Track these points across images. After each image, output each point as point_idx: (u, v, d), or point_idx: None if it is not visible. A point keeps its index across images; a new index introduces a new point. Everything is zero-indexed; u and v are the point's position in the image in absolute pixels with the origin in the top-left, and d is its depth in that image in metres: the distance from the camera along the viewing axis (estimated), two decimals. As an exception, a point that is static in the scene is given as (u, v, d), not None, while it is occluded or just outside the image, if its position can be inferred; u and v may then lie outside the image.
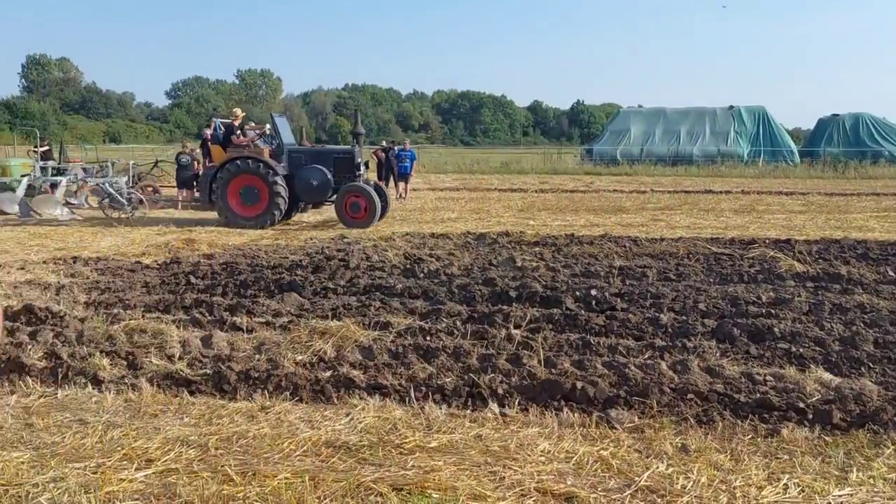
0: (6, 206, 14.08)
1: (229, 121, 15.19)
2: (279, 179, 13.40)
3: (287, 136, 14.64)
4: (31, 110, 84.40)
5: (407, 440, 3.94)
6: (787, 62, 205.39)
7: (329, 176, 13.70)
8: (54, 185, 14.87)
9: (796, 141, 41.79)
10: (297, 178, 13.80)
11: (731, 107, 38.95)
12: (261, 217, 13.46)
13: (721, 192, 21.79)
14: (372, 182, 14.37)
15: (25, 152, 20.35)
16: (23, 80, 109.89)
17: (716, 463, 3.67)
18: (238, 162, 13.57)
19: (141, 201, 14.57)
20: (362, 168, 14.15)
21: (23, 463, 3.64)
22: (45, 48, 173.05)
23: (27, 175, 14.75)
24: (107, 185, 14.38)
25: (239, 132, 14.83)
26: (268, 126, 14.85)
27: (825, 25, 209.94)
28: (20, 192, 14.02)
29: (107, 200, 14.34)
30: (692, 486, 3.42)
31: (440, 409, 4.46)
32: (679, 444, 3.88)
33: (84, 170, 20.09)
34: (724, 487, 3.44)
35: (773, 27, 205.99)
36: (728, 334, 5.81)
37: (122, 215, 14.19)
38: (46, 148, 19.39)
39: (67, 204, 14.46)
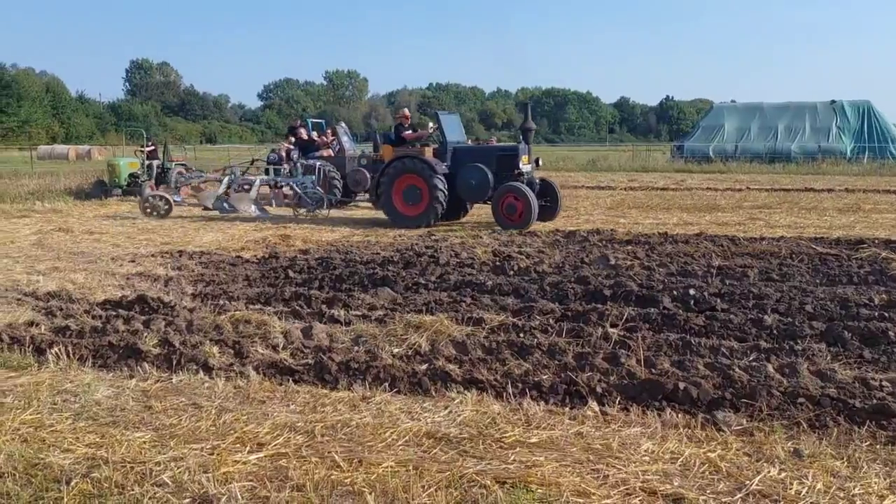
0: (208, 201, 15.35)
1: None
2: (438, 179, 13.12)
3: (454, 134, 14.27)
4: (134, 112, 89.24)
5: (507, 435, 3.95)
6: (894, 54, 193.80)
7: (489, 175, 13.15)
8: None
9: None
10: (458, 177, 13.42)
11: (833, 101, 37.09)
12: (421, 216, 13.27)
13: (823, 191, 20.76)
14: (537, 181, 13.63)
15: (133, 152, 21.50)
16: (127, 83, 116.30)
17: (832, 469, 3.51)
18: (400, 161, 13.46)
19: (322, 201, 14.97)
20: (523, 166, 13.43)
21: (145, 443, 3.86)
22: (148, 53, 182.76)
23: (229, 174, 16.02)
24: (295, 184, 15.04)
25: (410, 131, 14.82)
26: (431, 124, 14.71)
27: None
28: (222, 189, 15.19)
29: (295, 199, 15.08)
30: (807, 492, 3.29)
31: (538, 405, 4.45)
32: (791, 449, 3.73)
33: (186, 167, 21.14)
34: (842, 495, 3.28)
35: (879, 16, 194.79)
36: (839, 337, 5.54)
37: (308, 213, 14.79)
38: (152, 148, 20.45)
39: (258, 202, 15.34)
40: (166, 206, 14.99)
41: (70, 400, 4.53)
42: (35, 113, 75.92)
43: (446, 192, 13.21)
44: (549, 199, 13.67)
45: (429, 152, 13.71)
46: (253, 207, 14.87)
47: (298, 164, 16.18)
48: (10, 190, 19.11)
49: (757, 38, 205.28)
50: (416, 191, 13.33)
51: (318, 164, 16.40)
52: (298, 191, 14.96)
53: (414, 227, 13.09)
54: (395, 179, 13.42)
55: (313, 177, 15.51)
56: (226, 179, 15.55)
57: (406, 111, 15.62)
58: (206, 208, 15.57)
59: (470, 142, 18.25)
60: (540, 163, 14.85)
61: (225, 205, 14.99)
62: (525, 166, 13.47)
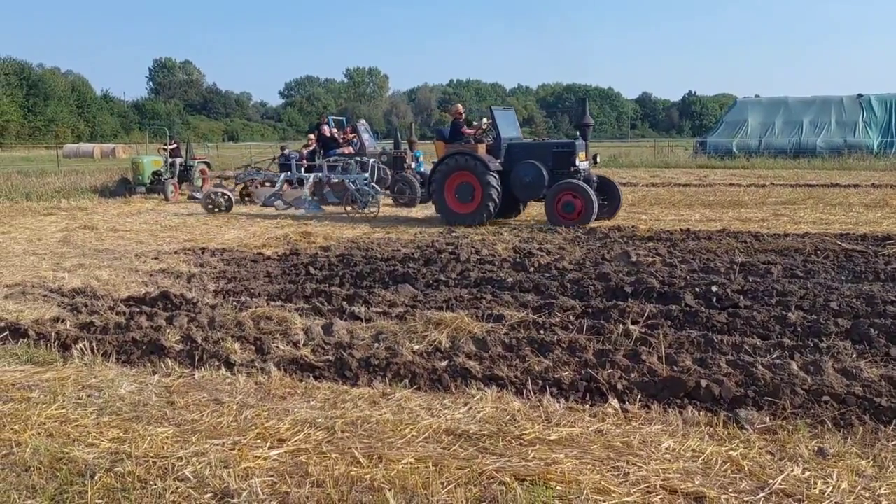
0: (261, 198, 15.78)
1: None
2: (491, 176, 12.78)
3: (508, 130, 13.87)
4: (157, 111, 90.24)
5: (526, 432, 3.94)
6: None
7: (544, 171, 12.77)
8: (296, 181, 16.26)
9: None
10: (513, 174, 13.06)
11: (860, 95, 36.49)
12: (473, 214, 12.93)
13: (849, 186, 20.42)
14: (595, 178, 13.20)
15: (156, 150, 21.73)
16: (150, 82, 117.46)
17: (857, 469, 3.46)
18: (453, 158, 13.16)
19: (376, 200, 14.63)
20: (580, 163, 12.98)
21: (167, 438, 3.90)
22: (171, 52, 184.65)
23: (285, 172, 16.27)
24: (348, 182, 14.94)
25: (465, 126, 14.33)
26: (485, 119, 14.17)
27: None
28: (278, 187, 15.50)
29: (348, 196, 14.96)
30: (832, 492, 3.24)
31: (558, 402, 4.43)
32: (815, 448, 3.68)
33: (207, 164, 21.36)
34: (867, 495, 3.24)
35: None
36: (864, 335, 5.45)
37: (358, 212, 14.61)
38: (174, 146, 20.65)
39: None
40: (227, 204, 15.38)
41: (94, 395, 4.59)
42: (61, 112, 77.12)
43: (500, 190, 12.86)
44: (606, 196, 13.20)
45: (482, 149, 13.32)
46: (305, 204, 14.99)
47: (354, 161, 16.12)
48: (36, 188, 19.43)
49: (781, 32, 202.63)
50: (468, 188, 13.01)
51: (371, 161, 16.25)
52: (352, 188, 14.78)
53: (466, 224, 12.76)
54: (447, 176, 13.14)
55: (367, 175, 15.33)
56: (282, 176, 15.75)
57: (460, 106, 15.15)
58: (264, 205, 15.78)
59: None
60: (598, 159, 14.28)
61: (280, 202, 15.24)
62: (582, 163, 13.04)
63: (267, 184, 16.26)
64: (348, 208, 14.81)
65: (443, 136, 14.48)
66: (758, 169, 29.57)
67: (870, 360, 4.97)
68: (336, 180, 15.34)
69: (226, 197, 15.53)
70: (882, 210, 14.72)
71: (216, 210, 15.27)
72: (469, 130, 14.29)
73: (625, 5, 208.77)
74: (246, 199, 17.92)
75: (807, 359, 4.96)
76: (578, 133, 13.69)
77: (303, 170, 16.68)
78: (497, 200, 12.91)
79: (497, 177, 12.88)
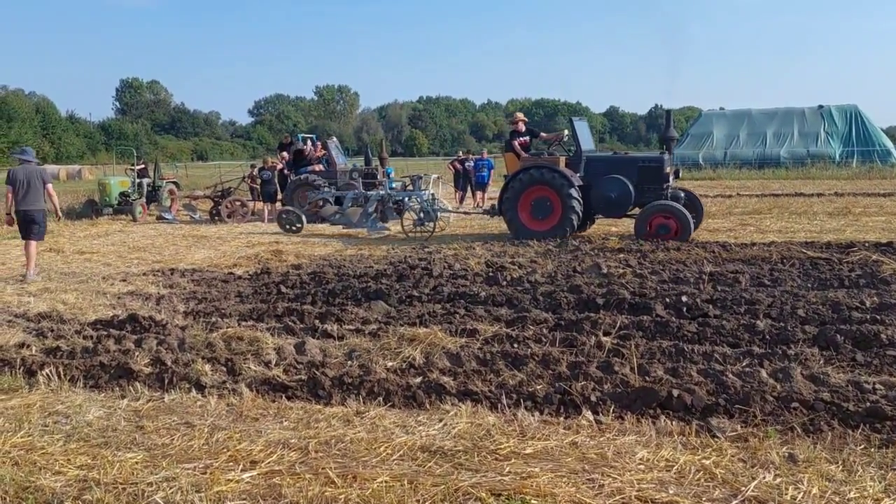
0: (326, 215, 16.03)
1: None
2: (574, 191, 12.12)
3: (586, 142, 13.25)
4: (125, 131, 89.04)
5: (502, 446, 3.94)
6: (880, 59, 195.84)
7: (630, 188, 12.15)
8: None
9: (894, 140, 39.65)
10: (594, 189, 12.43)
11: (821, 106, 37.38)
12: (552, 231, 12.20)
13: (813, 195, 20.88)
14: (682, 193, 12.55)
15: (123, 170, 21.46)
16: (116, 102, 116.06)
17: (827, 474, 3.51)
18: (530, 172, 12.45)
19: (430, 219, 14.04)
20: (671, 178, 12.42)
21: (136, 463, 3.82)
22: (138, 72, 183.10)
23: (352, 191, 16.17)
24: (407, 199, 14.60)
25: (528, 137, 13.78)
26: (566, 131, 13.44)
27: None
28: (346, 205, 15.57)
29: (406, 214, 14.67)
30: (803, 498, 3.28)
31: (532, 415, 4.44)
32: (786, 454, 3.73)
33: (176, 184, 21.15)
34: (837, 499, 3.28)
35: (863, 21, 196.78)
36: (831, 341, 5.55)
37: (414, 230, 14.23)
38: (142, 166, 20.42)
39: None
40: (299, 224, 15.34)
41: (61, 421, 4.49)
42: (25, 133, 75.60)
43: (581, 206, 12.27)
44: (694, 213, 12.36)
45: (562, 162, 12.67)
46: (368, 222, 14.83)
47: (416, 178, 15.81)
48: (0, 211, 18.96)
49: (744, 45, 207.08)
50: (546, 204, 12.38)
51: (434, 176, 15.81)
52: (413, 206, 14.44)
53: (542, 240, 11.93)
54: (522, 191, 12.50)
55: (431, 191, 14.92)
56: (349, 195, 15.73)
57: (520, 114, 14.36)
58: (331, 223, 15.81)
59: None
60: (679, 173, 13.67)
61: (343, 220, 15.33)
62: (669, 179, 12.45)
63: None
64: (406, 225, 14.37)
65: (511, 148, 13.75)
66: (724, 180, 30.12)
67: (837, 366, 5.06)
68: (399, 198, 15.06)
69: (297, 216, 15.43)
70: (845, 218, 15.05)
71: (292, 229, 15.22)
72: (523, 140, 13.69)
73: (591, 23, 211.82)
74: (216, 217, 17.75)
75: (776, 366, 5.04)
76: (664, 147, 13.20)
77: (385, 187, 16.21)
78: (579, 216, 12.32)
79: (579, 192, 12.28)
